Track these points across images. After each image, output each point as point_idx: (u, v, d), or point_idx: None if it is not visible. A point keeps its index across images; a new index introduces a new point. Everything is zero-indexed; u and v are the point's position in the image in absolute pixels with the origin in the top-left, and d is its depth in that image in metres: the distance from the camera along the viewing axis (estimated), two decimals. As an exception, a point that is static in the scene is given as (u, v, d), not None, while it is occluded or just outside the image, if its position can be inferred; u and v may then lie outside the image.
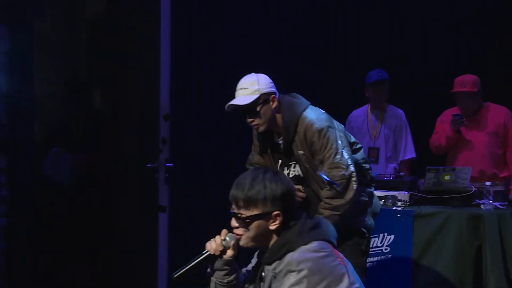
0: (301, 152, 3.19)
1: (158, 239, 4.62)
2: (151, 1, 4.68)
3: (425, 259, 4.41)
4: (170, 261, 4.67)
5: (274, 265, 2.30)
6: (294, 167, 3.26)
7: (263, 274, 2.42)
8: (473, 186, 4.50)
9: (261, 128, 3.19)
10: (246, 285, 2.57)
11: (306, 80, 5.49)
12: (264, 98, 3.01)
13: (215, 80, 5.23)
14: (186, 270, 2.42)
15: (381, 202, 4.42)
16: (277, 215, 2.28)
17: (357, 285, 2.24)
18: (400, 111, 5.29)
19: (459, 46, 6.00)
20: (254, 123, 3.17)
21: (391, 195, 4.51)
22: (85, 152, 4.96)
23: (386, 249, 4.43)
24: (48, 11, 4.87)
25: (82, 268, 4.88)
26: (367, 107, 5.29)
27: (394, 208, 4.48)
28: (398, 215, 4.45)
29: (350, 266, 2.29)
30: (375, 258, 4.43)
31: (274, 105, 3.06)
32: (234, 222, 2.35)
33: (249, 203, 2.29)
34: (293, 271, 2.18)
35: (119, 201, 4.96)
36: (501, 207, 4.43)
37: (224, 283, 2.47)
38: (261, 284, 2.45)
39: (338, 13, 6.01)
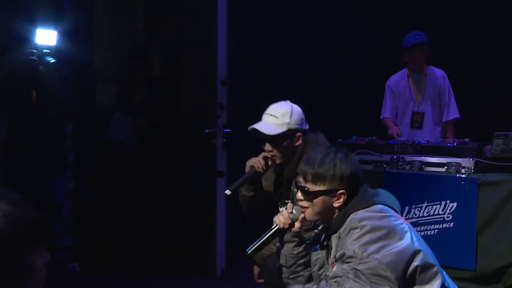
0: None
1: (216, 205, 4.75)
2: None
3: (491, 229, 4.21)
4: (227, 226, 4.81)
5: (338, 232, 2.37)
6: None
7: (330, 243, 2.46)
8: None
9: (278, 161, 3.08)
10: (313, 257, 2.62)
11: (342, 49, 5.56)
12: (290, 134, 2.89)
13: (272, 47, 5.22)
14: (258, 245, 2.53)
15: (444, 169, 4.33)
16: (342, 193, 2.35)
17: (421, 249, 2.25)
18: (441, 72, 5.10)
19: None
20: (272, 154, 3.06)
21: (455, 162, 4.31)
22: (146, 117, 5.02)
23: (448, 217, 4.23)
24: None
25: (142, 228, 5.00)
26: (405, 72, 5.10)
27: (458, 175, 4.26)
28: (462, 182, 4.24)
29: (415, 231, 2.32)
30: (436, 226, 4.28)
31: (297, 143, 2.93)
32: (300, 195, 2.42)
33: (317, 178, 2.35)
34: (355, 228, 2.25)
35: (178, 166, 5.07)
36: None
37: (294, 254, 2.56)
38: (330, 252, 2.48)
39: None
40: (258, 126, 3.03)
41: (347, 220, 2.37)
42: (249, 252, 2.56)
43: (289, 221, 2.51)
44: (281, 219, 2.53)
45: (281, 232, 2.57)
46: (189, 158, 4.93)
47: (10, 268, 1.67)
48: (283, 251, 2.64)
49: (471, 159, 4.31)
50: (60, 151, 4.53)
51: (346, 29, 5.74)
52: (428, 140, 4.69)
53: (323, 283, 2.42)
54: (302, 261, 2.64)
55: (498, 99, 5.36)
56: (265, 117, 3.05)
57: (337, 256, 2.40)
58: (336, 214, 2.45)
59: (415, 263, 2.27)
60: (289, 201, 3.14)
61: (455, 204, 4.25)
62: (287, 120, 2.94)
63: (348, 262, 2.27)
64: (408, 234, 2.30)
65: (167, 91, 5.14)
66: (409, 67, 5.07)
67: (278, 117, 2.95)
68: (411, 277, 2.29)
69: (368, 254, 2.22)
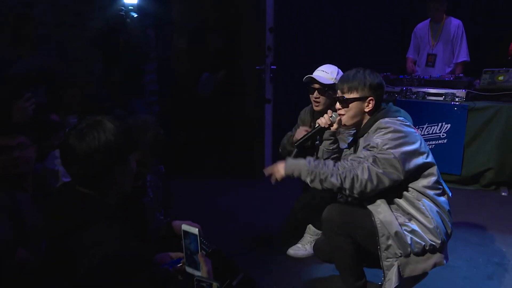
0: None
1: (264, 123, 5.20)
2: None
3: (474, 144, 4.78)
4: (273, 139, 5.20)
5: (366, 134, 2.65)
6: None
7: (359, 145, 2.69)
8: None
9: (320, 107, 3.33)
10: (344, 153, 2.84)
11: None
12: (334, 87, 2.99)
13: (312, 5, 5.50)
14: (304, 139, 2.83)
15: (442, 98, 4.80)
16: (371, 99, 2.61)
17: (426, 152, 2.54)
18: (458, 22, 5.41)
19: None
20: (318, 100, 3.32)
21: (451, 92, 4.81)
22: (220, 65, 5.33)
23: (443, 135, 4.78)
24: None
25: (211, 141, 5.42)
26: (429, 21, 5.48)
27: (452, 103, 4.78)
28: (455, 108, 4.75)
29: (423, 139, 2.58)
30: (433, 142, 4.80)
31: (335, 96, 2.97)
32: (338, 105, 2.68)
33: (351, 88, 2.62)
34: (381, 128, 2.53)
35: (237, 95, 5.34)
36: None
37: (330, 150, 2.96)
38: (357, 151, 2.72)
39: None
40: (316, 77, 3.32)
41: (375, 124, 2.59)
42: (296, 144, 2.85)
43: (329, 122, 2.72)
44: (323, 120, 2.76)
45: (322, 130, 2.80)
46: (245, 89, 5.23)
47: (121, 164, 1.95)
48: (321, 147, 2.97)
49: (463, 90, 4.80)
50: (140, 81, 4.93)
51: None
52: (430, 76, 5.14)
53: (342, 161, 2.64)
54: (334, 156, 2.98)
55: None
56: (317, 72, 3.38)
57: (364, 147, 2.61)
58: (366, 119, 2.65)
59: (420, 161, 2.51)
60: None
61: (449, 125, 4.81)
62: (335, 76, 3.29)
63: (370, 150, 2.50)
64: (419, 140, 2.54)
65: (228, 38, 5.34)
66: (431, 17, 5.48)
67: (328, 73, 3.33)
68: (415, 171, 2.52)
69: (387, 148, 2.45)
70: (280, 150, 3.68)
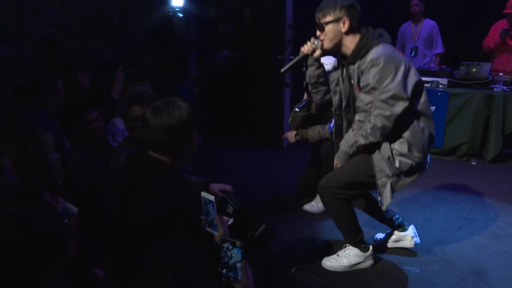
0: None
1: (284, 105, 5.54)
2: None
3: (454, 123, 5.18)
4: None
5: (357, 64, 2.54)
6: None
7: (350, 73, 2.61)
8: (490, 76, 5.09)
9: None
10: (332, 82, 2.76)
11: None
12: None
13: None
14: (289, 67, 2.72)
15: (428, 85, 5.07)
16: (345, 19, 2.52)
17: (412, 68, 2.51)
18: (433, 22, 5.74)
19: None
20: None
21: (435, 80, 5.18)
22: (241, 50, 5.68)
23: None
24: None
25: (238, 116, 5.78)
26: (410, 21, 5.83)
27: (437, 89, 5.14)
28: (439, 93, 5.13)
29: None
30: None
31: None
32: (318, 32, 2.61)
33: (325, 13, 2.55)
34: (374, 65, 2.46)
35: (261, 79, 5.68)
36: (507, 90, 5.05)
37: (315, 74, 2.76)
38: (350, 82, 2.64)
39: None
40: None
41: (367, 58, 2.47)
42: (282, 71, 2.73)
43: (311, 49, 2.64)
44: (305, 47, 2.66)
45: (305, 57, 2.70)
46: (268, 75, 5.53)
47: (186, 137, 2.03)
48: (308, 73, 2.79)
49: (445, 79, 5.17)
50: (184, 67, 5.41)
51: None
52: (420, 66, 5.45)
53: (355, 124, 2.59)
54: (321, 80, 2.79)
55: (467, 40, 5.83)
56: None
57: (361, 85, 2.54)
58: (346, 43, 2.55)
59: (416, 78, 2.50)
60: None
61: (434, 107, 5.11)
62: (333, 64, 2.96)
63: (372, 93, 2.45)
64: (403, 59, 2.48)
65: (254, 33, 5.67)
66: (412, 19, 5.82)
67: (327, 64, 3.01)
68: (413, 92, 2.49)
69: (386, 85, 2.42)
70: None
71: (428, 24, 5.82)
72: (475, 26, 5.83)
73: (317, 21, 2.59)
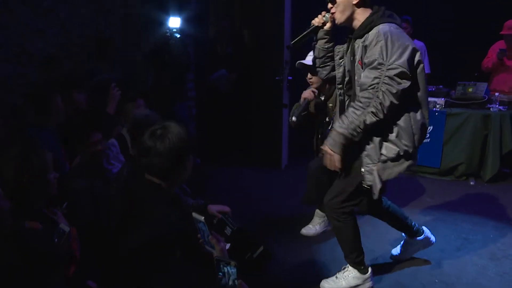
0: (331, 105, 3.40)
1: (282, 124, 5.54)
2: None
3: (451, 143, 5.17)
4: (289, 136, 5.54)
5: (363, 38, 2.51)
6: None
7: (355, 47, 2.58)
8: (486, 96, 5.09)
9: (315, 85, 3.50)
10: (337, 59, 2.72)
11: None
12: None
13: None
14: (300, 38, 2.69)
15: None
16: None
17: (417, 49, 2.49)
18: (421, 43, 5.75)
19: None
20: (311, 80, 3.50)
21: (433, 100, 5.16)
22: (239, 69, 5.64)
23: (427, 136, 4.58)
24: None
25: (236, 136, 5.68)
26: None
27: (434, 109, 5.13)
28: (436, 113, 5.13)
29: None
30: None
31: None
32: (329, 5, 2.61)
33: None
34: (380, 40, 2.42)
35: (259, 99, 5.63)
36: (503, 109, 5.07)
37: (325, 48, 2.76)
38: (354, 56, 2.60)
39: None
40: (302, 61, 3.46)
41: (373, 31, 2.44)
42: (292, 43, 2.69)
43: (322, 21, 2.64)
44: (316, 20, 2.66)
45: (316, 29, 2.68)
46: (266, 96, 5.52)
47: (182, 162, 2.03)
48: (317, 46, 2.77)
49: (442, 99, 5.17)
50: (182, 89, 5.40)
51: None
52: None
53: (359, 100, 2.46)
54: (329, 54, 2.79)
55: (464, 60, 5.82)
56: (307, 57, 3.46)
57: (366, 61, 2.47)
58: (357, 16, 2.54)
59: (417, 58, 2.50)
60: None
61: (431, 127, 5.10)
62: None
63: (379, 68, 2.39)
64: (409, 40, 2.50)
65: (253, 55, 5.67)
66: None
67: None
68: (415, 70, 2.50)
69: (393, 61, 2.38)
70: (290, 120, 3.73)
71: (417, 45, 5.77)
72: (473, 47, 5.86)
73: None
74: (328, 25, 2.66)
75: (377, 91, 2.41)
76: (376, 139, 2.58)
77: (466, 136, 5.11)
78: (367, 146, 2.59)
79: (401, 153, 2.57)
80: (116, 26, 5.35)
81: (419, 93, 2.56)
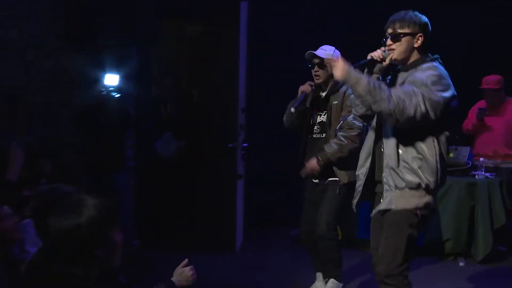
0: (335, 102, 3.59)
1: (236, 199, 5.05)
2: (232, 17, 4.94)
3: (434, 216, 4.52)
4: (244, 214, 5.16)
5: (409, 72, 2.63)
6: (324, 115, 3.63)
7: (397, 78, 2.70)
8: (470, 162, 4.76)
9: (321, 80, 3.61)
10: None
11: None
12: None
13: (279, 84, 5.30)
14: (358, 65, 2.68)
15: None
16: (420, 36, 2.63)
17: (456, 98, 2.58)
18: None
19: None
20: (318, 73, 3.60)
21: None
22: (186, 136, 5.15)
23: None
24: (160, 35, 5.27)
25: (182, 216, 5.13)
26: None
27: None
28: None
29: None
30: None
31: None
32: (389, 41, 2.67)
33: (403, 24, 2.64)
34: (431, 70, 2.55)
35: (209, 170, 5.10)
36: (490, 176, 4.71)
37: None
38: (394, 86, 2.67)
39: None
40: (316, 52, 3.58)
41: (427, 64, 2.59)
42: (355, 64, 2.66)
43: (381, 56, 2.69)
44: (375, 54, 2.71)
45: (372, 63, 2.73)
46: (218, 165, 5.05)
47: (101, 241, 1.87)
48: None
49: None
50: (120, 156, 4.88)
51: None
52: None
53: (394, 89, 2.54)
54: None
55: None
56: (318, 51, 3.60)
57: (408, 79, 2.57)
58: (412, 56, 2.65)
59: (454, 104, 2.58)
60: (323, 112, 3.62)
61: None
62: (331, 53, 3.54)
63: (420, 86, 2.47)
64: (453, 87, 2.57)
65: (202, 117, 5.24)
66: None
67: (326, 50, 3.57)
68: (446, 117, 2.56)
69: (436, 89, 2.46)
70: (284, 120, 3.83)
71: None
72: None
73: (392, 30, 2.67)
74: (386, 61, 2.71)
75: (410, 97, 2.45)
76: (394, 163, 2.60)
77: (450, 208, 4.69)
78: (385, 174, 2.64)
79: (422, 185, 2.56)
80: (38, 80, 4.73)
81: (443, 136, 2.63)
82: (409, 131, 2.54)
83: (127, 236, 4.58)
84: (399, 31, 2.64)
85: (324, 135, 3.62)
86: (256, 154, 5.27)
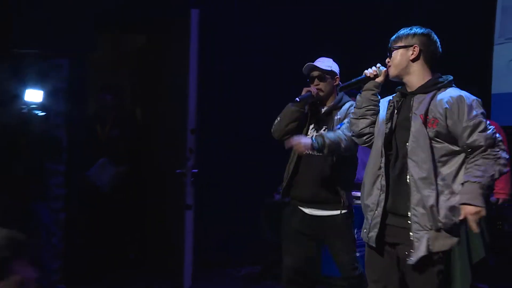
0: (338, 117, 3.46)
1: (184, 233, 4.64)
2: (182, 27, 4.66)
3: None
4: (194, 250, 4.68)
5: (431, 93, 2.58)
6: (324, 131, 3.42)
7: (411, 103, 2.63)
8: None
9: (321, 93, 3.43)
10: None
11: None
12: (333, 75, 3.35)
13: (232, 104, 5.30)
14: (348, 85, 2.86)
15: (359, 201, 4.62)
16: (415, 47, 2.62)
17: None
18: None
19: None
20: (318, 87, 3.42)
21: None
22: (127, 161, 4.97)
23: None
24: (100, 45, 4.90)
25: (121, 252, 5.00)
26: None
27: None
28: None
29: None
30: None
31: (335, 83, 3.36)
32: (387, 59, 2.71)
33: (398, 39, 2.67)
34: (463, 102, 2.48)
35: (153, 201, 4.96)
36: None
37: (371, 100, 2.81)
38: (410, 110, 2.64)
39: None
40: (315, 63, 3.44)
41: (452, 93, 2.54)
42: (341, 86, 2.91)
43: (375, 73, 2.76)
44: (369, 70, 2.79)
45: (366, 80, 2.81)
46: (164, 194, 4.86)
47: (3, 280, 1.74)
48: (362, 95, 2.85)
49: None
50: (43, 184, 4.53)
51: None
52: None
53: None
54: (372, 107, 2.84)
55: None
56: (317, 62, 3.46)
57: (471, 124, 2.47)
58: (412, 72, 2.64)
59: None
60: (325, 127, 3.45)
61: None
62: (330, 64, 3.39)
63: (480, 133, 2.43)
64: None
65: (146, 140, 5.09)
66: None
67: (325, 61, 3.42)
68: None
69: (487, 126, 2.46)
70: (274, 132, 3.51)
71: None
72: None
73: (389, 48, 2.73)
74: (380, 78, 2.79)
75: (493, 158, 2.49)
76: (430, 202, 2.53)
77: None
78: (416, 212, 2.56)
79: (457, 225, 2.56)
80: None
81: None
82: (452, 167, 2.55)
83: (47, 277, 4.22)
84: (394, 45, 2.70)
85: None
86: (208, 181, 4.95)
